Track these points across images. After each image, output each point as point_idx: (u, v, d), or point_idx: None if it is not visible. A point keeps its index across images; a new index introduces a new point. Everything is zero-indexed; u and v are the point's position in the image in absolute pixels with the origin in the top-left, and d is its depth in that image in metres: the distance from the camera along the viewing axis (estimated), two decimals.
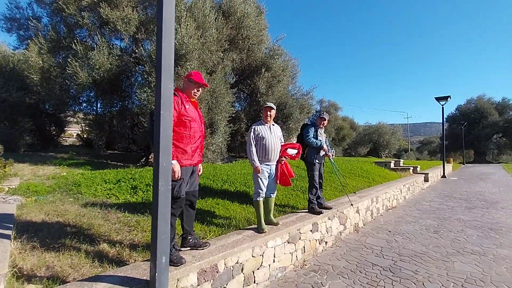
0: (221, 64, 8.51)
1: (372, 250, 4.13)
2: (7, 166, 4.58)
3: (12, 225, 2.58)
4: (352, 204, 4.95)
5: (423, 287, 3.00)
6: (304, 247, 3.77)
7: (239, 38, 9.59)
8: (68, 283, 1.94)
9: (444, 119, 15.78)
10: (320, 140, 4.37)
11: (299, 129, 4.69)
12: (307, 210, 4.33)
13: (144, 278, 1.99)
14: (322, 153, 4.44)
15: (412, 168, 12.41)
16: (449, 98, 14.37)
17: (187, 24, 7.15)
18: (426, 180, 11.65)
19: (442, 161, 16.33)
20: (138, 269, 2.16)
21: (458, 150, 34.86)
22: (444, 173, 15.25)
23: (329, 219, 4.40)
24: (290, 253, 3.49)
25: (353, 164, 10.42)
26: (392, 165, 12.55)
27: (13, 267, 2.10)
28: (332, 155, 4.62)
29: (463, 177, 15.40)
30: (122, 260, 2.46)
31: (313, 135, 4.36)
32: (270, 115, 3.53)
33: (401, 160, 15.13)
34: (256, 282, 2.95)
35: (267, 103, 3.56)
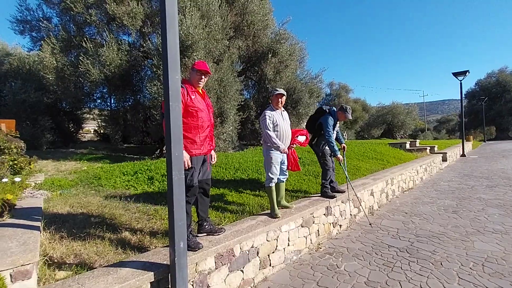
0: (227, 52, 8.44)
1: (387, 232, 4.13)
2: (32, 163, 4.84)
3: (40, 217, 2.76)
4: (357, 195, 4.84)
5: (441, 267, 2.99)
6: (318, 230, 3.82)
7: (244, 24, 9.41)
8: (95, 269, 2.08)
9: (463, 95, 15.08)
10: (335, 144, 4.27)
11: (315, 112, 4.53)
12: (320, 195, 4.35)
13: (165, 262, 2.10)
14: (329, 150, 4.36)
15: (429, 148, 12.07)
16: (467, 73, 13.67)
17: (192, 14, 7.08)
18: (444, 159, 11.31)
19: (461, 140, 15.74)
20: (159, 254, 2.28)
21: (479, 127, 33.40)
22: (463, 151, 14.74)
23: (343, 202, 4.41)
24: (304, 236, 3.56)
25: (366, 147, 10.25)
26: (407, 146, 12.23)
27: (44, 256, 2.26)
28: (344, 139, 4.52)
29: (484, 155, 14.83)
30: (143, 247, 2.60)
31: (332, 128, 4.26)
32: (281, 101, 3.49)
33: (417, 141, 14.71)
34: (272, 265, 3.04)
35: (277, 89, 3.50)
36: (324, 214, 3.96)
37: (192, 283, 2.23)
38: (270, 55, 9.61)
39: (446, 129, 40.60)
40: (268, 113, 3.43)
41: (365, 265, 3.12)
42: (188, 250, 2.20)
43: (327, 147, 4.37)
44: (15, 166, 4.60)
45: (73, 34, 8.32)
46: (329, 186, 4.35)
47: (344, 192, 4.50)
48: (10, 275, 1.75)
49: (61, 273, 2.11)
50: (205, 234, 2.71)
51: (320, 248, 3.66)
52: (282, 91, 3.49)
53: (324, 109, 4.41)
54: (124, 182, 4.98)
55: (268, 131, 3.36)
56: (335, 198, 4.19)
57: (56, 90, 8.49)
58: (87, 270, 2.10)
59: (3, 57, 10.80)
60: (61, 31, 8.23)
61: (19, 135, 5.47)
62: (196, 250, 2.32)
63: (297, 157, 4.00)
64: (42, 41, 8.68)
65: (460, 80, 14.02)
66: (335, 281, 2.80)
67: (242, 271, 2.68)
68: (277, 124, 3.41)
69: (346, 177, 4.44)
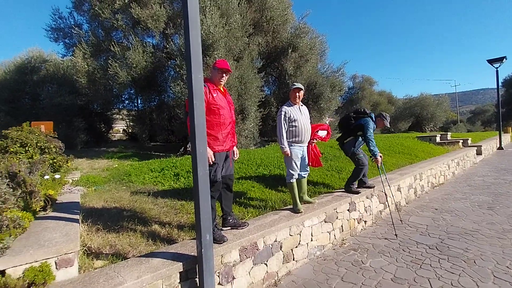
0: (247, 49, 8.48)
1: (416, 229, 3.99)
2: (69, 161, 5.23)
3: (78, 211, 3.00)
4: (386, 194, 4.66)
5: (475, 265, 2.85)
6: (342, 226, 3.77)
7: (263, 20, 9.40)
8: (129, 259, 2.23)
9: (499, 84, 13.93)
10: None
11: (354, 112, 4.40)
12: (343, 190, 4.29)
13: (192, 254, 2.20)
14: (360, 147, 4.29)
15: (461, 141, 11.34)
16: (504, 60, 12.61)
17: (212, 14, 7.19)
18: (478, 153, 10.60)
19: (498, 131, 14.61)
20: (186, 246, 2.39)
21: None
22: (500, 144, 13.72)
23: (368, 198, 4.31)
24: (327, 232, 3.53)
25: (392, 141, 9.84)
26: (438, 139, 11.58)
27: (83, 246, 2.47)
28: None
29: None
30: (172, 239, 2.73)
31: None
32: (299, 96, 3.46)
33: (449, 133, 13.85)
34: (295, 260, 3.06)
35: (295, 83, 3.49)
36: (348, 210, 3.90)
37: (218, 274, 2.32)
38: (290, 50, 9.51)
39: (481, 121, 37.70)
40: (284, 109, 3.41)
41: (392, 262, 3.04)
42: (213, 242, 2.28)
43: (359, 149, 4.30)
44: (54, 164, 4.99)
45: (102, 39, 8.79)
46: (356, 183, 4.26)
47: (374, 187, 4.40)
48: (55, 262, 1.93)
49: (98, 262, 2.29)
50: (229, 228, 2.78)
51: (344, 244, 3.62)
52: (299, 85, 3.46)
53: (367, 111, 4.29)
54: (152, 178, 5.23)
55: (281, 129, 3.34)
56: (359, 194, 4.11)
57: (88, 92, 9.05)
58: (122, 260, 2.26)
59: (40, 64, 11.64)
60: (91, 37, 8.74)
61: (57, 136, 5.92)
62: (221, 243, 2.41)
63: (319, 152, 3.94)
64: (74, 47, 9.27)
65: (496, 68, 12.98)
66: (360, 277, 2.77)
67: (266, 264, 2.73)
68: (295, 119, 3.38)
69: (384, 178, 4.33)
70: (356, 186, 4.29)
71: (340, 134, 4.52)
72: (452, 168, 7.82)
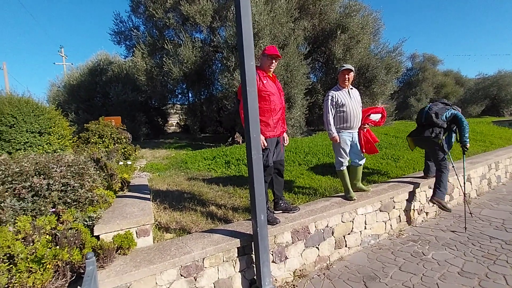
0: (292, 35, 8.28)
1: (489, 223, 3.57)
2: (136, 150, 5.94)
3: (148, 192, 3.42)
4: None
5: None
6: (399, 216, 3.57)
7: (309, 2, 9.03)
8: (193, 233, 2.50)
9: None
10: None
11: (442, 102, 3.95)
12: (401, 179, 4.02)
13: (248, 232, 2.35)
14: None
15: None
16: None
17: (257, 1, 7.20)
18: None
19: None
20: (242, 225, 2.56)
21: None
22: None
23: (430, 188, 3.96)
24: (383, 221, 3.38)
25: None
26: None
27: (155, 221, 2.82)
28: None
29: None
30: (227, 219, 2.95)
31: None
32: (348, 78, 3.25)
33: None
34: (347, 246, 3.02)
35: (344, 65, 3.27)
36: (407, 200, 3.65)
37: (272, 253, 2.44)
38: (339, 32, 8.97)
39: None
40: (331, 93, 3.25)
41: (459, 255, 2.79)
42: (267, 223, 2.39)
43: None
44: (125, 153, 5.71)
45: (156, 38, 9.53)
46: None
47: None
48: (136, 232, 2.26)
49: (168, 235, 2.61)
50: (281, 211, 2.87)
51: (402, 235, 3.42)
52: (348, 66, 3.24)
53: (447, 102, 3.93)
54: (205, 165, 5.62)
55: (328, 114, 3.21)
56: (420, 183, 3.80)
57: (147, 89, 9.97)
58: (187, 234, 2.54)
59: (107, 66, 13.17)
60: (147, 37, 9.54)
61: (125, 128, 6.73)
62: (274, 224, 2.51)
63: (374, 137, 3.67)
64: (134, 48, 10.23)
65: None
66: (421, 268, 2.61)
67: (317, 248, 2.77)
68: (343, 104, 3.19)
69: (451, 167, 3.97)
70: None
71: (419, 128, 3.90)
72: None
